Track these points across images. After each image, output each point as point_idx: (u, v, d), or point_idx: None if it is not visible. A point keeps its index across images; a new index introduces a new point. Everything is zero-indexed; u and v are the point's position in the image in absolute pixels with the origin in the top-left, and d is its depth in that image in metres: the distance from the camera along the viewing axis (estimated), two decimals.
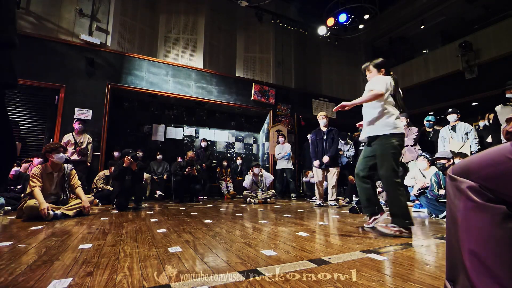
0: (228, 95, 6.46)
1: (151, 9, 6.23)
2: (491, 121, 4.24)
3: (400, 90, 2.24)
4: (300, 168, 7.21)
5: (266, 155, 7.12)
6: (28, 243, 1.64)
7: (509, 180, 0.63)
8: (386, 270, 1.17)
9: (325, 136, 4.27)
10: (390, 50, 9.07)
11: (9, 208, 3.22)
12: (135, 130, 6.17)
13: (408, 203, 4.05)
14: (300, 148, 7.13)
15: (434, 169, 3.65)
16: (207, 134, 7.01)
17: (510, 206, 0.63)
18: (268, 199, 4.80)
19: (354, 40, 8.33)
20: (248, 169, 5.38)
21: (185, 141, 6.74)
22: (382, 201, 3.66)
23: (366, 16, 6.89)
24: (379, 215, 2.19)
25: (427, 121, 4.79)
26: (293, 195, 5.72)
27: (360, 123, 2.46)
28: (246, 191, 4.81)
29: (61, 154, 2.86)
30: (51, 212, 2.58)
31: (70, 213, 2.76)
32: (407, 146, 4.42)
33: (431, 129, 4.82)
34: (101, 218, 2.72)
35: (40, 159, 3.69)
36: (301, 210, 3.63)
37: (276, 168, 6.04)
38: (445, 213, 2.66)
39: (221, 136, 7.24)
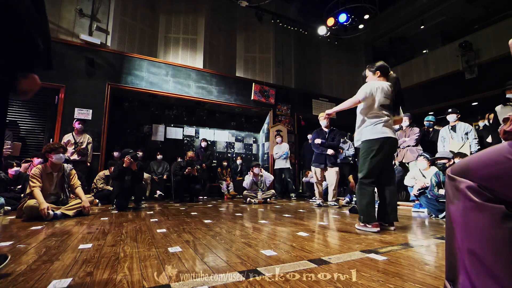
0: (228, 95, 6.46)
1: (151, 9, 6.23)
2: (491, 121, 4.24)
3: (400, 90, 2.24)
4: (300, 168, 7.21)
5: (266, 155, 7.12)
6: (28, 243, 1.64)
7: (508, 180, 0.63)
8: (386, 270, 1.17)
9: (326, 136, 4.28)
10: (390, 50, 9.08)
11: (9, 208, 3.21)
12: (135, 130, 6.17)
13: (408, 203, 4.09)
14: (300, 148, 7.13)
15: (434, 169, 3.65)
16: (207, 134, 7.01)
17: (509, 206, 0.63)
18: (268, 199, 4.80)
19: (354, 40, 8.33)
20: (248, 169, 5.38)
21: (185, 141, 6.74)
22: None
23: (366, 16, 6.89)
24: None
25: (427, 121, 4.79)
26: (292, 195, 5.71)
27: None
28: (246, 191, 4.81)
29: (60, 154, 2.86)
30: (51, 212, 2.58)
31: (70, 213, 2.77)
32: (408, 146, 4.42)
33: (431, 129, 4.82)
34: (101, 218, 2.72)
35: (40, 159, 3.69)
36: (301, 210, 3.63)
37: (275, 168, 6.04)
38: (445, 213, 2.66)
39: (221, 136, 7.24)
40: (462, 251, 0.67)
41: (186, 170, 4.80)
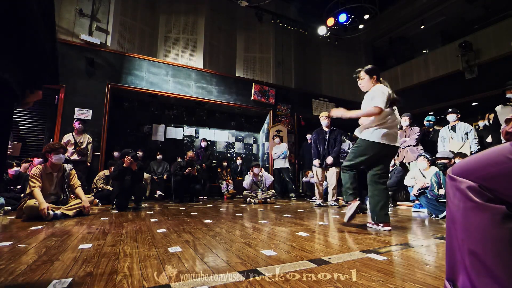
0: (228, 95, 6.46)
1: (151, 9, 6.23)
2: (491, 121, 4.24)
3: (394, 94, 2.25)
4: (299, 168, 7.21)
5: (266, 155, 7.12)
6: (28, 243, 1.64)
7: (509, 180, 0.63)
8: (386, 270, 1.17)
9: (327, 136, 4.24)
10: (390, 50, 9.08)
11: (9, 208, 3.21)
12: (135, 130, 6.17)
13: (408, 203, 4.09)
14: (300, 148, 7.13)
15: (434, 169, 3.65)
16: (207, 134, 7.01)
17: (510, 206, 0.63)
18: (268, 199, 4.80)
19: (354, 40, 8.33)
20: (248, 169, 5.38)
21: (185, 141, 6.74)
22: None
23: (366, 16, 6.89)
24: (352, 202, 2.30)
25: (427, 121, 4.79)
26: (292, 195, 5.71)
27: None
28: (246, 191, 4.81)
29: (61, 155, 2.85)
30: (51, 212, 2.58)
31: (70, 213, 2.76)
32: (409, 146, 4.42)
33: (431, 129, 4.82)
34: (101, 218, 2.72)
35: (40, 159, 3.69)
36: (301, 210, 3.63)
37: (274, 168, 6.04)
38: (445, 213, 2.66)
39: (221, 136, 7.24)
40: (463, 251, 0.67)
41: (186, 170, 4.80)
